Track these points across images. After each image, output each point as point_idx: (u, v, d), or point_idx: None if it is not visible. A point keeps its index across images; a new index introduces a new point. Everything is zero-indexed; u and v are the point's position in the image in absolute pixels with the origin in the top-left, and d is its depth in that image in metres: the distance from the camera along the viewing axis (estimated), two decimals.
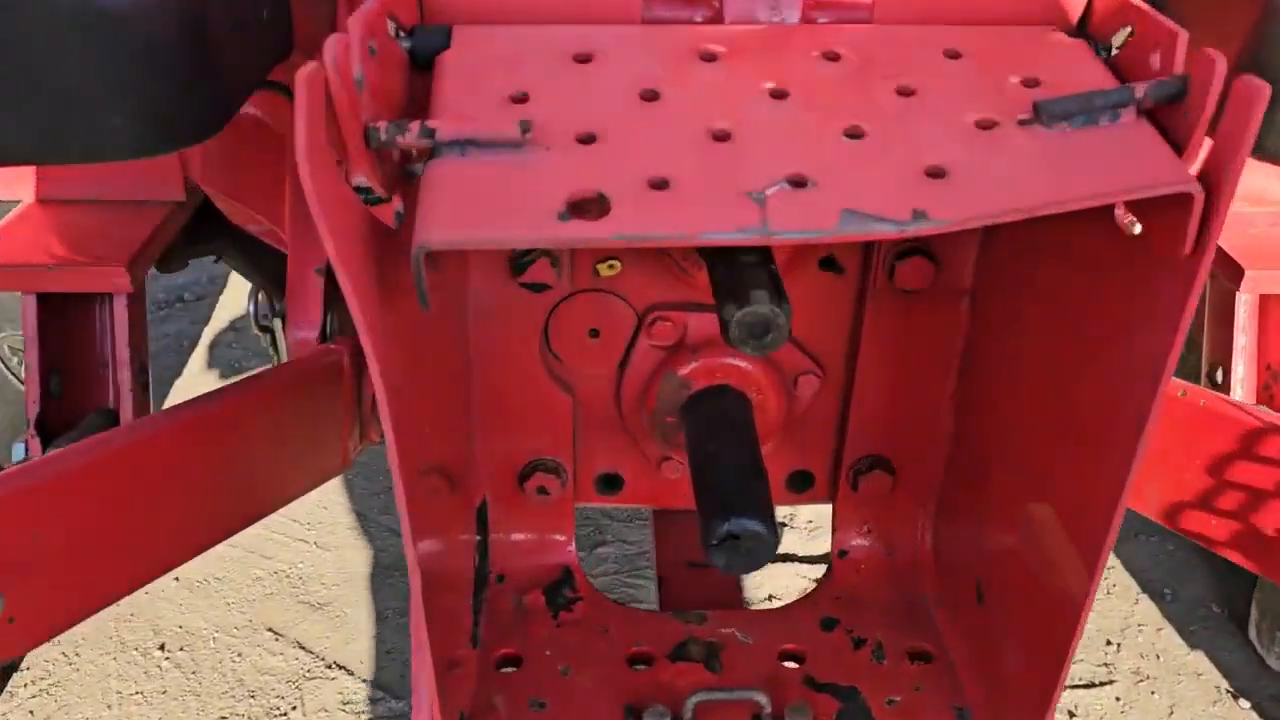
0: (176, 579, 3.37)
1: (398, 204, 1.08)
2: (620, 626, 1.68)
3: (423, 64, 1.16)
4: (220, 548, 3.56)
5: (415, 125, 1.00)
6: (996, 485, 1.55)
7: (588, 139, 1.02)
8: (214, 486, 1.53)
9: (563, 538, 1.78)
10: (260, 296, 1.86)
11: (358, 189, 1.07)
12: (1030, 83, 1.09)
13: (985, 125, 1.04)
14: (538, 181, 0.98)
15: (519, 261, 1.51)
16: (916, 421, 1.67)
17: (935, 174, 0.99)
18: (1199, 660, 3.11)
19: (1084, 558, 1.26)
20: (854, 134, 1.04)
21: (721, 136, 1.03)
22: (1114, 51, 1.16)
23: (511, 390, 1.64)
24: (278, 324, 1.95)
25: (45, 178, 2.05)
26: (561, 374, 1.66)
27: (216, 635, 3.19)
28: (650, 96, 1.07)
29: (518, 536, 1.76)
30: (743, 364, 1.60)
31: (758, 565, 1.36)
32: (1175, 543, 3.43)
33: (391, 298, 1.12)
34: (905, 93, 1.08)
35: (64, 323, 1.97)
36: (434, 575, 1.49)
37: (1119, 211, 1.13)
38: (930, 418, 1.66)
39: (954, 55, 1.15)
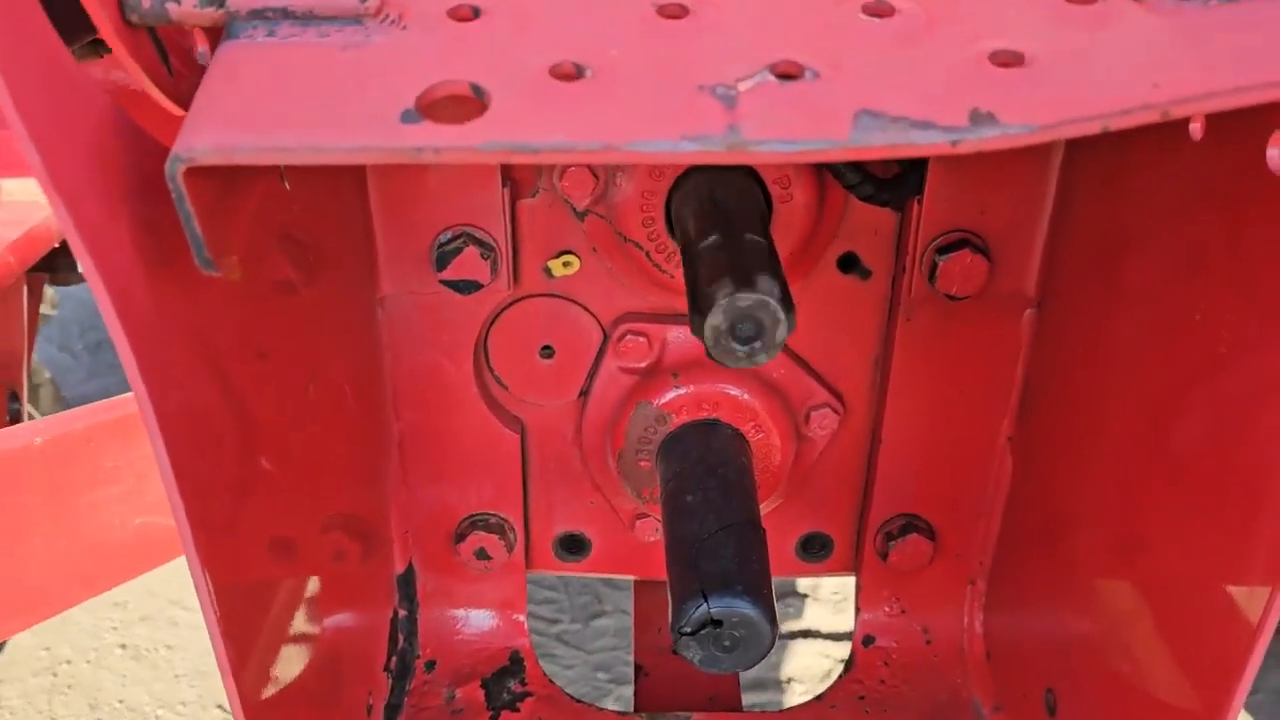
0: (123, 646, 3.01)
1: None
2: None
3: None
4: (174, 611, 3.22)
5: None
6: (1073, 557, 1.17)
7: (469, 14, 0.67)
8: (43, 537, 1.17)
9: (513, 615, 1.40)
10: None
11: None
12: None
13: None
14: (381, 71, 0.63)
15: (440, 251, 1.15)
16: (964, 471, 1.30)
17: (1007, 60, 0.63)
18: None
19: (1211, 668, 0.88)
20: (878, 12, 0.68)
21: (674, 12, 0.68)
22: None
23: (440, 424, 1.28)
24: None
25: None
26: (506, 404, 1.30)
27: (160, 712, 2.83)
28: None
29: (454, 613, 1.39)
30: (738, 392, 1.24)
31: (748, 664, 1.00)
32: None
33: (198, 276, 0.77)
34: None
35: None
36: (332, 662, 1.12)
37: (1275, 151, 0.76)
38: (981, 466, 1.29)
39: None
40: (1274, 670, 2.88)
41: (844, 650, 2.97)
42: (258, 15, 0.66)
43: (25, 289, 1.77)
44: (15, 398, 1.69)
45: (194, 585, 0.78)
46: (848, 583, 3.22)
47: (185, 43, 0.73)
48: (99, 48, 0.78)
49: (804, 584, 3.15)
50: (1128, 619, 1.06)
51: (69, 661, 2.98)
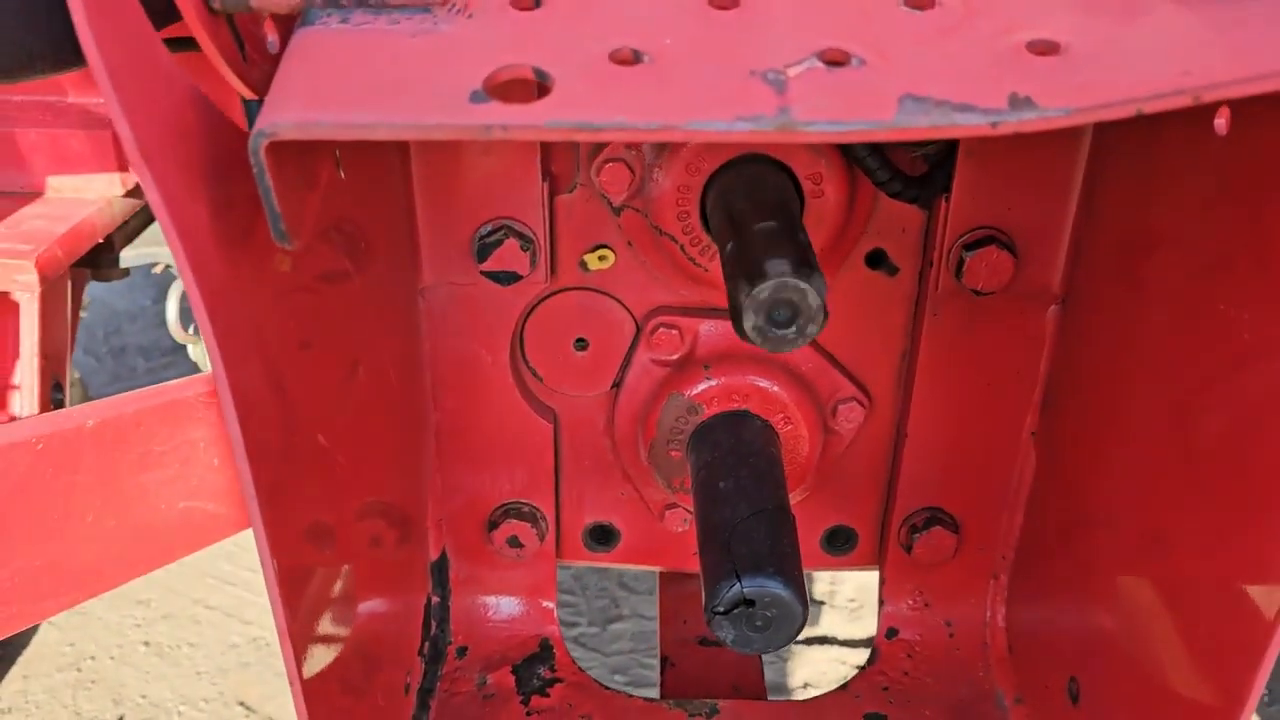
0: (146, 643, 3.05)
1: None
2: (607, 717, 1.33)
3: None
4: (196, 610, 3.25)
5: None
6: (1095, 551, 1.19)
7: (531, 4, 0.71)
8: (94, 516, 1.20)
9: (543, 603, 1.43)
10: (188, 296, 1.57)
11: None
12: None
13: None
14: (449, 55, 0.67)
15: (481, 243, 1.19)
16: (988, 466, 1.32)
17: (1043, 49, 0.66)
18: None
19: (1230, 659, 0.90)
20: (920, 4, 0.71)
21: (725, 3, 0.71)
22: None
23: (476, 414, 1.31)
24: None
25: None
26: (540, 394, 1.33)
27: (182, 708, 2.86)
28: None
29: (485, 600, 1.42)
30: (767, 384, 1.27)
31: (780, 643, 1.02)
32: None
33: (267, 257, 0.81)
34: None
35: None
36: (365, 645, 1.15)
37: None
38: (1005, 461, 1.32)
39: None
40: None
41: (860, 657, 2.98)
42: (332, 3, 0.70)
43: (70, 282, 1.82)
44: (59, 388, 1.73)
45: (260, 562, 0.81)
46: (865, 590, 3.24)
47: (258, 32, 0.77)
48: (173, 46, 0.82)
49: (821, 590, 3.17)
50: (1148, 613, 1.08)
51: (93, 657, 3.02)
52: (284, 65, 0.67)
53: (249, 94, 0.76)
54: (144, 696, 2.89)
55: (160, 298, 4.74)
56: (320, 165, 0.78)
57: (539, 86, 0.65)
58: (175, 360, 4.47)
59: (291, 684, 0.88)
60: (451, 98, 0.63)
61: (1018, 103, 0.62)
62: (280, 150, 0.65)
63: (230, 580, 3.23)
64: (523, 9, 0.70)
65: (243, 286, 0.78)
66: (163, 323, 5.02)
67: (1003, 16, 0.69)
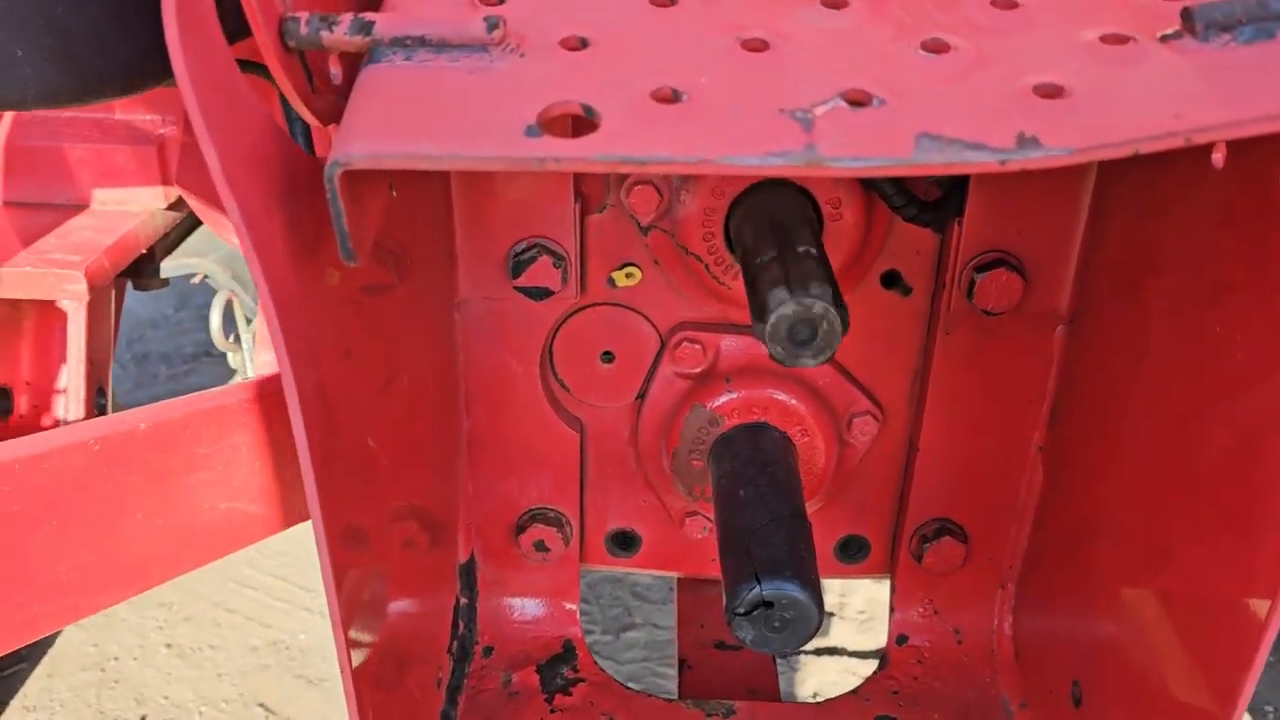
0: (168, 645, 3.11)
1: None
2: (628, 716, 1.38)
3: None
4: (217, 612, 3.31)
5: (348, 18, 0.75)
6: (1099, 562, 1.24)
7: (577, 45, 0.77)
8: (144, 515, 1.27)
9: (566, 605, 1.49)
10: (229, 306, 1.64)
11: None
12: None
13: (1114, 40, 0.77)
14: (505, 91, 0.73)
15: (516, 259, 1.25)
16: (996, 479, 1.37)
17: (1048, 92, 0.72)
18: None
19: (1222, 665, 0.95)
20: (935, 49, 0.77)
21: (756, 46, 0.77)
22: None
23: (507, 422, 1.37)
24: (250, 337, 1.73)
25: (5, 177, 1.86)
26: (567, 405, 1.39)
27: (203, 709, 2.92)
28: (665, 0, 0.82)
29: (511, 601, 1.48)
30: (786, 397, 1.32)
31: (796, 643, 1.08)
32: (1278, 653, 3.02)
33: (321, 271, 0.87)
34: (1005, 4, 0.82)
35: (16, 334, 1.76)
36: (398, 643, 1.21)
37: None
38: (1013, 474, 1.37)
39: None
40: None
41: (869, 668, 3.03)
42: (398, 42, 0.76)
43: (113, 291, 1.89)
44: (102, 393, 1.80)
45: (319, 561, 0.86)
46: (874, 601, 3.28)
47: (324, 66, 0.83)
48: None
49: (831, 602, 3.21)
50: (1147, 621, 1.13)
51: (116, 658, 3.08)
52: (354, 100, 0.73)
53: (314, 121, 0.83)
54: (166, 697, 2.95)
55: (181, 306, 4.82)
56: (377, 188, 0.84)
57: (586, 121, 0.71)
58: (196, 367, 4.54)
59: (342, 671, 0.94)
60: (508, 132, 0.69)
61: (1024, 142, 0.68)
62: (347, 178, 0.71)
63: (251, 584, 3.29)
64: (571, 49, 0.77)
65: (302, 298, 0.85)
66: (184, 330, 5.08)
67: (1012, 61, 0.75)
